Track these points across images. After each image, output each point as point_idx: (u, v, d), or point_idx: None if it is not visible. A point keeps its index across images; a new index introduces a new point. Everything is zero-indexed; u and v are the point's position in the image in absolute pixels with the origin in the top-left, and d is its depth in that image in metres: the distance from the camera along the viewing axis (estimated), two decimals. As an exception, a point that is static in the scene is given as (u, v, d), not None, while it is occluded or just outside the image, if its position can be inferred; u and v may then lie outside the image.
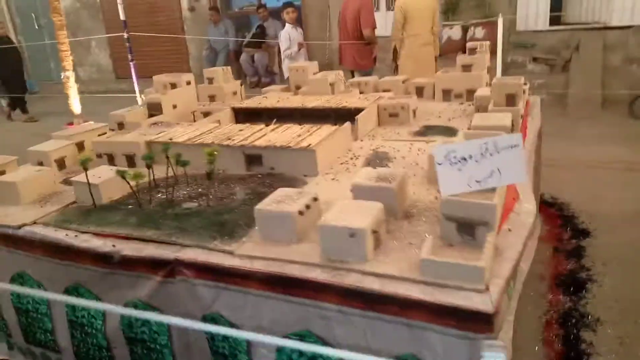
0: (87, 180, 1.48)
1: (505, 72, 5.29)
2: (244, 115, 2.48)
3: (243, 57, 7.79)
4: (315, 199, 1.30)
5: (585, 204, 2.90)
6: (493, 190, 1.17)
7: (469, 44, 2.82)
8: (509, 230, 1.22)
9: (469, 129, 1.86)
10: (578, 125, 4.88)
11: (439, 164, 1.15)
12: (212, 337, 1.25)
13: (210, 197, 1.52)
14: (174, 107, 2.57)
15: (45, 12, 9.96)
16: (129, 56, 5.31)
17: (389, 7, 6.91)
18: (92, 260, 1.36)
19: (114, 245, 1.32)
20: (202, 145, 1.74)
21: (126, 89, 7.84)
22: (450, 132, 2.01)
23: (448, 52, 5.72)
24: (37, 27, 10.32)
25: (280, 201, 1.28)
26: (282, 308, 1.13)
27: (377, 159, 1.77)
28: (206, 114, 2.53)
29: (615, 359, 1.73)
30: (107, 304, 1.30)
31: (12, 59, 7.74)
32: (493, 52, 3.33)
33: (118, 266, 1.31)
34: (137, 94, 5.25)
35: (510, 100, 2.03)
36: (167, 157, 1.50)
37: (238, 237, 1.28)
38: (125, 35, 5.24)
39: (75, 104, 5.03)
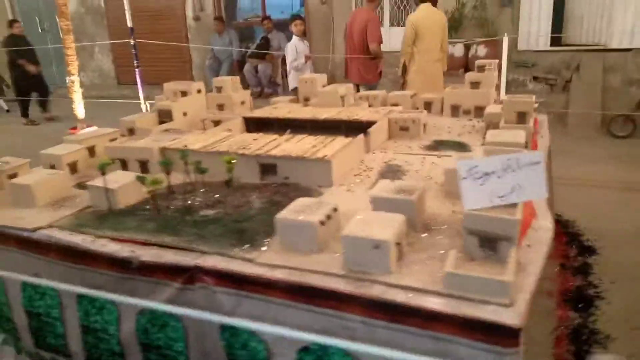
0: (105, 184, 1.48)
1: (506, 90, 5.37)
2: (254, 125, 2.50)
3: (246, 68, 7.85)
4: (335, 210, 1.31)
5: (589, 222, 2.93)
6: (514, 205, 1.18)
7: (477, 62, 2.86)
8: (529, 246, 1.24)
9: (482, 145, 1.89)
10: (578, 145, 4.94)
11: (463, 179, 1.16)
12: (229, 345, 1.25)
13: (227, 204, 1.52)
14: (184, 114, 2.58)
15: (49, 16, 10.02)
16: (135, 63, 5.33)
17: (392, 23, 7.02)
18: (109, 265, 1.35)
19: (132, 251, 1.32)
20: (219, 154, 1.74)
21: (128, 95, 7.86)
22: (461, 147, 2.03)
23: (450, 68, 5.79)
24: (40, 31, 10.35)
25: (300, 211, 1.28)
26: (303, 318, 1.13)
27: (391, 172, 1.78)
28: (216, 123, 2.54)
29: (627, 377, 1.74)
30: (122, 298, 1.29)
31: (30, 58, 7.70)
32: (497, 71, 3.39)
33: (136, 272, 1.31)
34: (142, 101, 5.26)
35: (521, 118, 2.06)
36: (186, 164, 1.51)
37: (257, 246, 1.28)
38: (132, 42, 5.26)
39: (80, 109, 5.03)
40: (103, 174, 1.46)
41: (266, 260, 1.21)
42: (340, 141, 1.84)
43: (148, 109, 5.65)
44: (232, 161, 1.48)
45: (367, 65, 4.77)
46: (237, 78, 3.12)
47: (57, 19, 4.95)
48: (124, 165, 1.94)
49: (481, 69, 2.79)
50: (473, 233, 1.15)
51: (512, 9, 6.48)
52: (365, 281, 1.10)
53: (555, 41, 6.18)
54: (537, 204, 1.43)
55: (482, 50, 6.09)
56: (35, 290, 1.53)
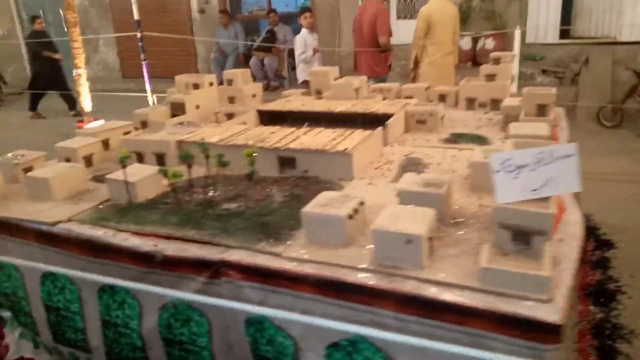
0: (125, 177, 1.46)
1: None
2: (268, 118, 2.47)
3: (252, 61, 7.80)
4: (362, 203, 1.29)
5: (604, 216, 2.90)
6: (546, 199, 1.16)
7: (492, 54, 2.82)
8: (561, 240, 1.21)
9: (505, 138, 1.86)
10: (588, 138, 4.90)
11: (496, 172, 1.14)
12: (255, 340, 1.23)
13: (248, 198, 1.50)
14: (197, 107, 2.56)
15: (53, 9, 9.96)
16: (142, 56, 5.29)
17: (399, 16, 6.96)
18: (131, 259, 1.33)
19: (155, 245, 1.30)
20: (238, 147, 1.72)
21: (133, 88, 7.83)
22: (480, 140, 2.00)
23: (459, 61, 5.75)
24: (44, 24, 10.29)
25: (326, 204, 1.26)
26: (333, 313, 1.11)
27: (412, 165, 1.76)
28: (229, 116, 2.52)
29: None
30: (147, 287, 1.27)
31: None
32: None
33: (159, 266, 1.29)
34: (149, 94, 5.23)
35: (541, 110, 2.03)
36: (208, 157, 1.48)
37: (282, 240, 1.26)
38: (139, 34, 5.22)
39: (87, 102, 5.00)
40: (124, 166, 1.44)
41: (293, 254, 1.19)
42: (359, 134, 1.82)
43: (155, 102, 5.62)
44: (254, 154, 1.46)
45: (377, 58, 4.73)
46: (248, 71, 3.09)
47: (61, 12, 4.91)
48: (140, 158, 1.92)
49: (496, 61, 2.76)
50: (506, 227, 1.13)
51: (520, 1, 6.41)
52: (397, 276, 1.08)
53: (564, 34, 6.11)
54: (565, 198, 1.40)
55: (490, 44, 6.03)
56: (54, 284, 1.51)
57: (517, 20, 6.02)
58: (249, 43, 7.98)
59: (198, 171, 1.67)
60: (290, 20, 8.17)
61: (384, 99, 2.66)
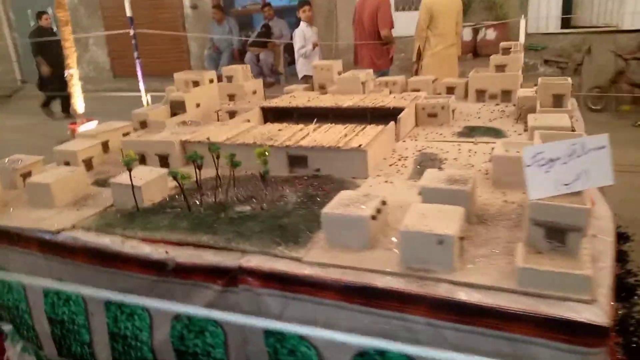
0: (131, 181, 1.38)
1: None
2: (273, 115, 2.40)
3: (248, 57, 7.70)
4: (384, 203, 1.22)
5: (617, 208, 2.84)
6: (579, 193, 1.10)
7: (502, 44, 2.76)
8: (594, 236, 1.15)
9: (525, 130, 1.80)
10: (593, 129, 4.85)
11: (528, 166, 1.07)
12: (275, 351, 1.16)
13: (261, 199, 1.43)
14: (197, 105, 2.48)
15: (42, 8, 9.77)
16: (135, 54, 5.18)
17: (398, 7, 6.86)
18: (141, 267, 1.26)
19: (167, 252, 1.23)
20: (248, 146, 1.65)
21: (124, 87, 7.70)
22: (496, 133, 1.94)
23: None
24: (31, 25, 10.12)
25: (346, 205, 1.19)
26: (359, 320, 1.05)
27: (427, 161, 1.69)
28: (231, 114, 2.44)
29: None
30: (157, 302, 1.21)
31: (55, 52, 7.45)
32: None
33: (171, 274, 1.22)
34: (143, 93, 5.12)
35: (557, 101, 1.97)
36: (217, 158, 1.41)
37: (302, 243, 1.19)
38: (132, 32, 5.11)
39: (79, 103, 4.89)
40: (129, 170, 1.36)
41: (314, 259, 1.12)
42: (372, 129, 1.75)
43: (149, 101, 5.51)
44: (266, 153, 1.39)
45: (379, 51, 4.65)
46: (248, 67, 3.01)
47: (52, 11, 4.79)
48: (142, 160, 1.84)
49: (505, 51, 2.69)
50: (539, 224, 1.07)
51: (521, -9, 6.33)
52: (428, 280, 1.01)
53: (566, 23, 6.05)
54: (592, 192, 1.34)
55: (491, 34, 5.96)
56: (59, 295, 1.44)
57: (518, 10, 5.94)
58: (244, 38, 7.86)
59: (203, 172, 1.59)
60: (286, 14, 8.02)
61: (390, 92, 2.59)
